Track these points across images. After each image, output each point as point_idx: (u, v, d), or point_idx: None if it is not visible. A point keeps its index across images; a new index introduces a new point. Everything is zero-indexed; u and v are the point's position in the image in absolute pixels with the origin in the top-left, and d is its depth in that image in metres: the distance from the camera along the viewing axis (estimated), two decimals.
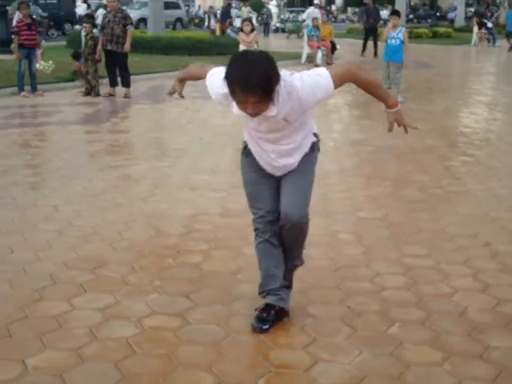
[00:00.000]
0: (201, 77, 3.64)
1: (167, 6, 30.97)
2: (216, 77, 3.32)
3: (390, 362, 3.36)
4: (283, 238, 3.62)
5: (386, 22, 34.81)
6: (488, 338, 3.60)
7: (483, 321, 3.81)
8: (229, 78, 3.05)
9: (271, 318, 3.66)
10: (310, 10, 24.98)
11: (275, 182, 3.60)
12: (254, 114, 3.15)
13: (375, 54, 22.93)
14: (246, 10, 38.33)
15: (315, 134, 3.60)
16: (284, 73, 3.19)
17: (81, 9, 30.02)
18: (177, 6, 38.59)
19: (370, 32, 23.84)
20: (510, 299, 4.10)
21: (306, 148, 3.53)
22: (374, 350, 3.46)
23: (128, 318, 3.75)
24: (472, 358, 3.40)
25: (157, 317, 3.79)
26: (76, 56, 14.48)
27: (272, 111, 3.16)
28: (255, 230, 3.68)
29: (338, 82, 3.24)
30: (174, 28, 36.30)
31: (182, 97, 4.10)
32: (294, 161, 3.51)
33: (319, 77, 3.21)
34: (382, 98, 3.50)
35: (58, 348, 3.42)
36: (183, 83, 4.02)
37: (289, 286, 3.81)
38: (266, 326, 3.63)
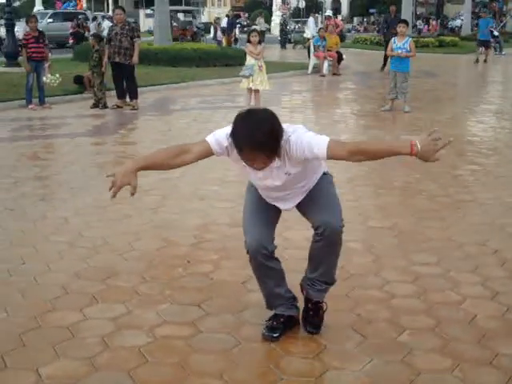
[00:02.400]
0: (174, 161, 3.39)
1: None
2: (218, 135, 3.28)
3: (400, 369, 3.38)
4: (317, 252, 3.55)
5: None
6: (497, 345, 3.61)
7: (492, 328, 3.83)
8: (235, 137, 3.06)
9: (281, 325, 3.68)
10: (310, 21, 25.03)
11: (272, 210, 3.61)
12: (260, 168, 3.19)
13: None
14: (262, 22, 38.20)
15: (325, 173, 3.60)
16: (286, 127, 3.21)
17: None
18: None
19: None
20: None
21: (318, 176, 3.55)
22: (384, 357, 3.49)
23: (140, 328, 3.79)
24: (482, 365, 3.42)
25: (168, 326, 3.83)
26: (77, 81, 14.60)
27: (277, 163, 3.21)
28: (247, 252, 3.56)
29: (335, 157, 3.16)
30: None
31: (133, 194, 3.39)
32: (305, 189, 3.53)
33: (316, 147, 3.14)
34: (397, 151, 3.21)
35: (71, 357, 3.45)
36: (135, 173, 3.42)
37: (319, 304, 3.78)
38: (277, 334, 3.65)
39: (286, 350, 3.55)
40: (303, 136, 3.18)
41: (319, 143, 3.13)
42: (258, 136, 2.98)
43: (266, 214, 3.56)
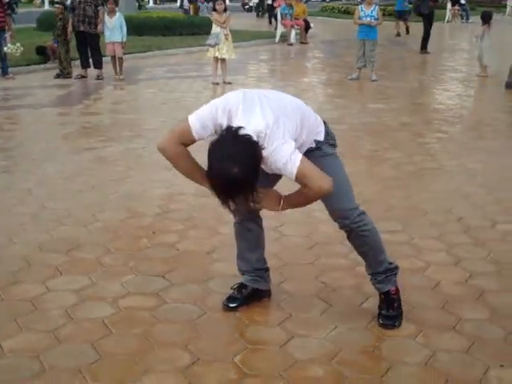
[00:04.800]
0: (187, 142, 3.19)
1: None
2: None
3: (364, 335, 3.41)
4: (353, 247, 3.53)
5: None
6: (460, 311, 3.66)
7: (456, 294, 3.87)
8: (208, 178, 2.93)
9: (240, 296, 3.67)
10: None
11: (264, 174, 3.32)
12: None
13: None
14: None
15: (317, 141, 3.31)
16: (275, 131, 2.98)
17: None
18: None
19: (428, 18, 18.18)
20: (482, 272, 4.16)
21: (303, 148, 3.23)
22: (348, 324, 3.51)
23: (104, 299, 3.76)
24: (445, 331, 3.45)
25: (132, 297, 3.80)
26: (40, 52, 14.32)
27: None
28: None
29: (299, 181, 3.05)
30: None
31: None
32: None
33: (287, 165, 2.98)
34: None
35: (34, 330, 3.41)
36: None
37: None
38: (233, 305, 3.65)
39: (251, 319, 3.55)
40: (279, 154, 2.97)
41: (292, 172, 2.98)
42: (228, 188, 2.87)
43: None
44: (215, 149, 2.87)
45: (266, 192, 3.19)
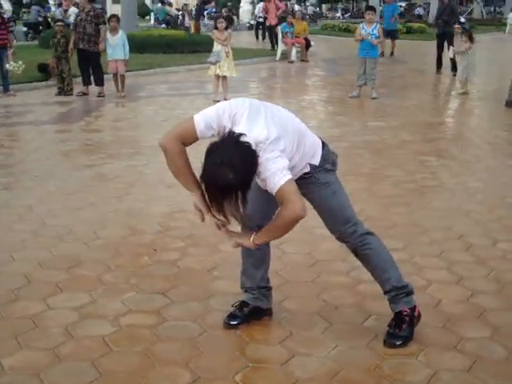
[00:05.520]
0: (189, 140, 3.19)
1: None
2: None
3: (365, 354, 3.40)
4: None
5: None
6: (462, 329, 3.65)
7: (457, 312, 3.86)
8: (203, 180, 2.99)
9: (241, 314, 3.67)
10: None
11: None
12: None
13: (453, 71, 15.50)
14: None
15: (312, 166, 3.31)
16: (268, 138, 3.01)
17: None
18: None
19: (443, 37, 16.58)
20: (484, 290, 4.16)
21: (296, 171, 3.25)
22: (350, 342, 3.50)
23: (104, 317, 3.75)
24: (447, 349, 3.44)
25: (133, 315, 3.79)
26: (42, 69, 14.37)
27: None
28: None
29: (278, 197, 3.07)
30: None
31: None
32: None
33: (274, 177, 3.00)
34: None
35: (35, 347, 3.41)
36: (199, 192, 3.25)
37: None
38: (234, 322, 3.65)
39: (251, 337, 3.54)
40: (271, 164, 2.99)
41: (275, 186, 3.00)
42: (219, 196, 2.96)
43: (268, 194, 3.25)
44: (214, 151, 2.92)
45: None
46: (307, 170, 3.31)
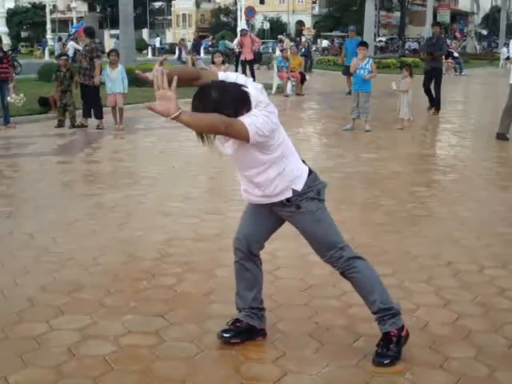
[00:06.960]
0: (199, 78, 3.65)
1: None
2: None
3: (355, 372, 3.55)
4: None
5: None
6: (447, 350, 3.81)
7: (443, 334, 4.02)
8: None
9: (235, 328, 3.84)
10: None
11: (264, 216, 3.70)
12: None
13: (436, 108, 15.63)
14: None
15: (294, 191, 3.48)
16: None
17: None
18: None
19: (432, 73, 15.50)
20: (470, 314, 4.32)
21: (277, 190, 3.46)
22: (340, 361, 3.65)
23: (105, 337, 3.90)
24: (432, 368, 3.60)
25: (133, 335, 3.95)
26: (42, 103, 14.63)
27: None
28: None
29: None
30: None
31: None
32: (262, 194, 3.52)
33: (245, 119, 3.32)
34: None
35: (39, 365, 3.56)
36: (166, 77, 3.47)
37: None
38: (227, 335, 3.82)
39: (246, 356, 3.70)
40: (248, 115, 3.33)
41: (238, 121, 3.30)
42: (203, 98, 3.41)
43: (260, 217, 3.71)
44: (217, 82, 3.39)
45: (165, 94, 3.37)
46: (289, 195, 3.49)
